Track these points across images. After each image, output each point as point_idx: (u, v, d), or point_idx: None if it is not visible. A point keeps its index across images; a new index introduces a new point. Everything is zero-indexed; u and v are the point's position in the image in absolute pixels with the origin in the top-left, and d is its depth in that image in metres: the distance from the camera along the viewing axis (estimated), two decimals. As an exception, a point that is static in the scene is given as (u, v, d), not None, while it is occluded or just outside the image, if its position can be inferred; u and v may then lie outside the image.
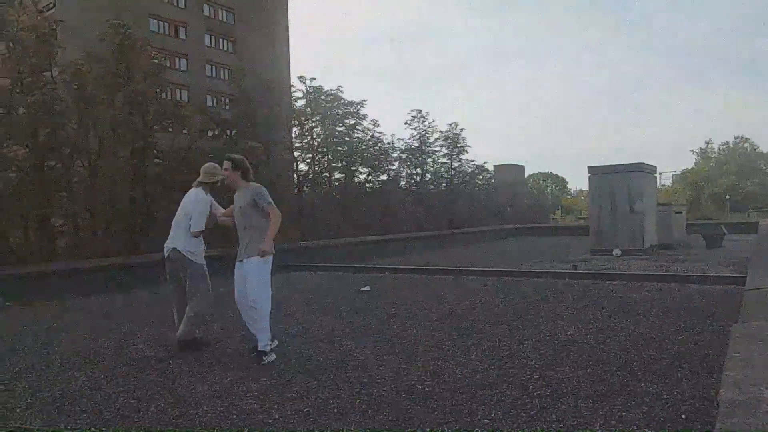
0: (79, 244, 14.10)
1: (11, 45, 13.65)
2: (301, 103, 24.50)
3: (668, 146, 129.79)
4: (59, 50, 14.78)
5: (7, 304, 8.08)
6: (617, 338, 4.85)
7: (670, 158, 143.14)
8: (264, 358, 4.46)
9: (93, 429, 3.17)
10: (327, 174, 25.34)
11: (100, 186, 14.62)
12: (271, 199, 4.63)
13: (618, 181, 13.98)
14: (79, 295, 8.72)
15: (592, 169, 14.70)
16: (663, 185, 63.03)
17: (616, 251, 13.30)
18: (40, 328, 6.32)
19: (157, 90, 16.79)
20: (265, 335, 4.55)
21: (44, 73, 14.39)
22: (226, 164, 4.70)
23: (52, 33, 15.02)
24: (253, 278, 4.48)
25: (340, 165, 25.60)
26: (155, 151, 16.37)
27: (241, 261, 4.58)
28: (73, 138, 14.31)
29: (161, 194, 15.23)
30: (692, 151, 69.79)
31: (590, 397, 3.40)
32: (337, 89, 24.48)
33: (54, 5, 30.49)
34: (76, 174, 14.58)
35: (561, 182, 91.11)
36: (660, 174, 61.57)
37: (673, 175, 72.10)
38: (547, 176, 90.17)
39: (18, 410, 3.52)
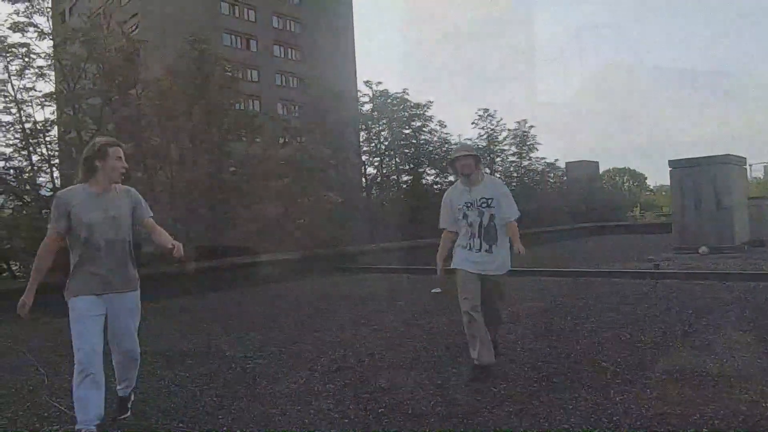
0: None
1: (100, 66, 14.72)
2: (367, 107, 24.77)
3: (760, 135, 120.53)
4: (143, 68, 15.76)
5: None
6: (706, 342, 4.55)
7: (763, 148, 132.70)
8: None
9: (180, 425, 3.34)
10: (395, 176, 25.47)
11: (180, 194, 15.43)
12: None
13: (703, 175, 13.17)
14: (164, 297, 9.23)
15: (673, 163, 13.95)
16: (755, 178, 58.52)
17: (703, 249, 12.49)
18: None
19: (231, 101, 17.54)
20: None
21: (130, 91, 15.40)
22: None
23: (136, 52, 16.05)
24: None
25: (407, 167, 25.66)
26: (230, 160, 17.07)
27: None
28: (156, 150, 15.21)
29: (237, 201, 15.87)
30: (788, 139, 64.19)
31: (678, 403, 3.21)
32: (403, 92, 24.57)
33: (137, 26, 32.61)
34: (159, 184, 15.48)
35: (639, 178, 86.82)
36: (750, 166, 57.24)
37: (765, 167, 66.81)
38: (624, 172, 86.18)
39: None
